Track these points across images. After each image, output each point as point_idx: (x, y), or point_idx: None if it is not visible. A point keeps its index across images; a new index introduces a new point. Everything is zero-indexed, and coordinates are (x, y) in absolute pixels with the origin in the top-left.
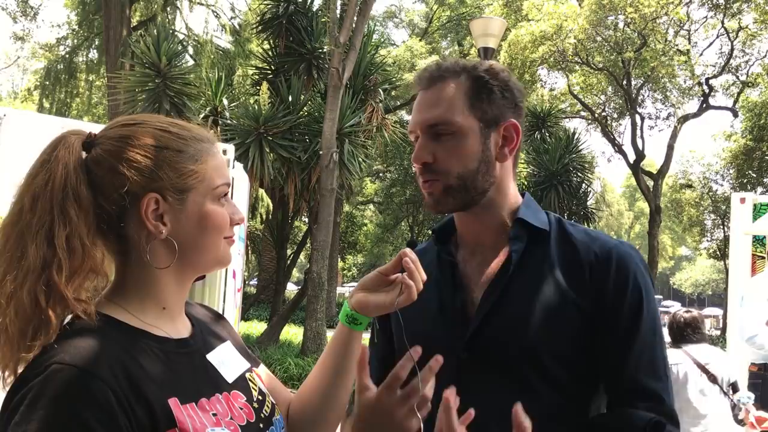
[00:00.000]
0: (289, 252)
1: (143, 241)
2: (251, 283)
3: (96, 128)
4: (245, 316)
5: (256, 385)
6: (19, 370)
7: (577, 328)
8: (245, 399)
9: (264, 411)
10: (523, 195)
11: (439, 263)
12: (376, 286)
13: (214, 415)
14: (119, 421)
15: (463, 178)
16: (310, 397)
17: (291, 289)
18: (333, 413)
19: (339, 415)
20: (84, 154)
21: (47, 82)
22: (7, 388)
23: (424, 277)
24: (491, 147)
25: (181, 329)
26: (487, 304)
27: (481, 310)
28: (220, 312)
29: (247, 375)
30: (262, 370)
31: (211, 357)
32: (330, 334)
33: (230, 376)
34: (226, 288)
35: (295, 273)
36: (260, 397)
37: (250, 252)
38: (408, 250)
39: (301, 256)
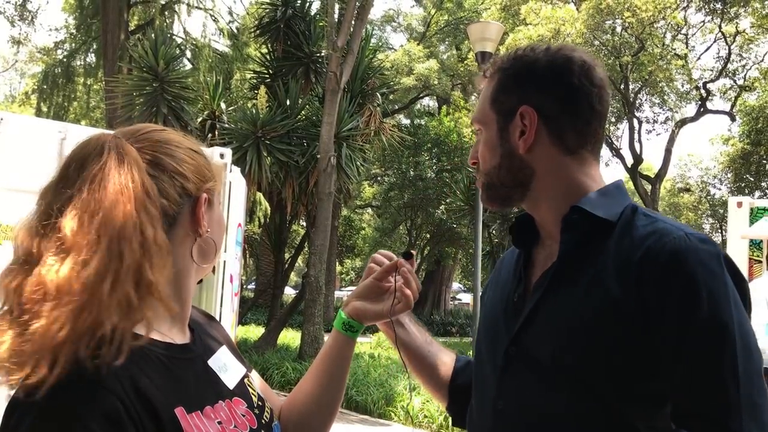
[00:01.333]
0: (287, 256)
1: (190, 240)
2: (249, 287)
3: (94, 132)
4: (243, 321)
5: (254, 391)
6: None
7: (620, 333)
8: (246, 405)
9: (264, 417)
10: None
11: (518, 255)
12: (371, 294)
13: (219, 423)
14: (128, 431)
15: (489, 174)
16: (302, 402)
17: (289, 293)
18: (323, 419)
19: (329, 421)
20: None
21: (45, 86)
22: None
23: (419, 286)
24: (511, 139)
25: (185, 333)
26: (533, 300)
27: (528, 306)
28: (217, 317)
29: (245, 380)
30: (255, 376)
31: (212, 363)
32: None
33: (231, 382)
34: (224, 292)
35: (293, 277)
36: (260, 403)
37: (247, 256)
38: (403, 261)
39: (299, 260)
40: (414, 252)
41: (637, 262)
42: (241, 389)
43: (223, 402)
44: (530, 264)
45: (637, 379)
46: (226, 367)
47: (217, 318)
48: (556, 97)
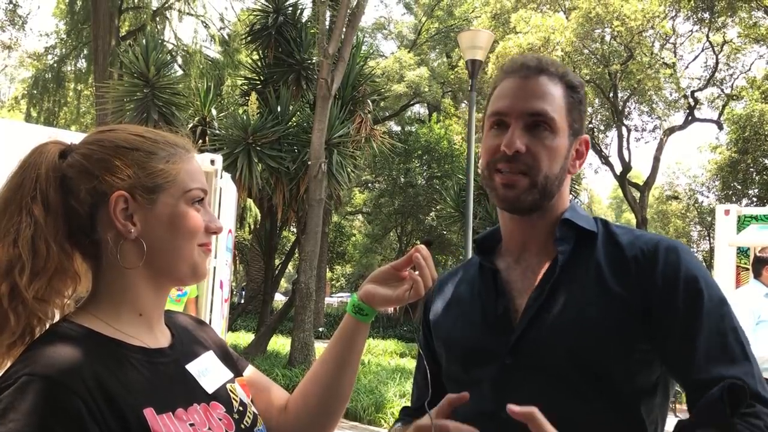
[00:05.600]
0: (277, 262)
1: (113, 241)
2: (239, 293)
3: (84, 137)
4: (232, 327)
5: (237, 396)
6: None
7: (628, 328)
8: (224, 410)
9: (245, 422)
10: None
11: (481, 273)
12: (386, 280)
13: (191, 425)
14: (90, 430)
15: (548, 179)
16: (312, 388)
17: (279, 299)
18: (334, 406)
19: (340, 409)
20: (60, 161)
21: (35, 91)
22: None
23: (435, 275)
24: (570, 156)
25: (160, 338)
26: (533, 309)
27: (527, 315)
28: (206, 322)
29: (228, 386)
30: (250, 371)
31: (191, 367)
32: (318, 345)
33: (210, 387)
34: (213, 298)
35: (283, 283)
36: (241, 408)
37: (237, 262)
38: (421, 247)
39: (290, 267)
40: (432, 241)
41: (633, 261)
42: (222, 394)
43: (198, 405)
44: (500, 278)
45: (642, 367)
46: (207, 371)
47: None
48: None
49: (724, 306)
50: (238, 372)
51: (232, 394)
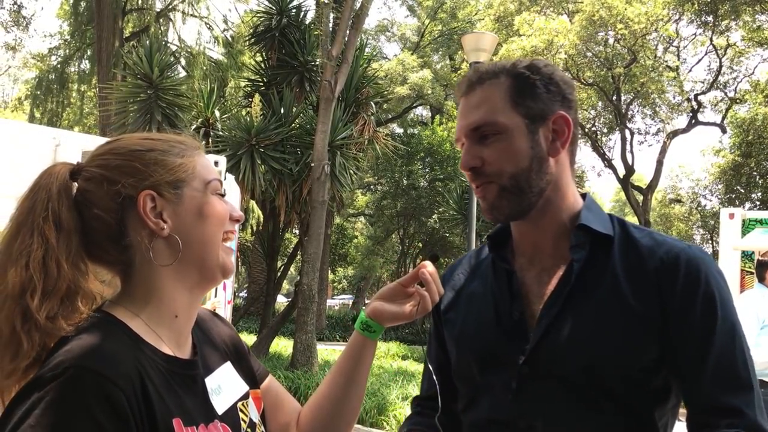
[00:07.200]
0: (279, 264)
1: (145, 242)
2: (241, 294)
3: (87, 138)
4: (235, 328)
5: (247, 416)
6: (5, 396)
7: (644, 341)
8: None
9: None
10: (584, 197)
11: (495, 271)
12: (393, 297)
13: None
14: (132, 430)
15: (517, 178)
16: (321, 404)
17: (281, 301)
18: (344, 422)
19: (350, 423)
20: (70, 180)
21: (38, 92)
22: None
23: (442, 291)
24: (541, 142)
25: (187, 347)
26: (548, 317)
27: (542, 324)
28: (224, 317)
29: (240, 404)
30: (267, 382)
31: (208, 382)
32: (320, 347)
33: (221, 407)
34: (216, 300)
35: (286, 285)
36: (249, 430)
37: (240, 264)
38: (427, 263)
39: (292, 269)
40: (438, 256)
41: (653, 271)
42: (231, 415)
43: (219, 423)
44: (515, 280)
45: (657, 380)
46: (221, 389)
47: None
48: (575, 108)
49: (735, 329)
50: (254, 383)
51: (242, 414)
